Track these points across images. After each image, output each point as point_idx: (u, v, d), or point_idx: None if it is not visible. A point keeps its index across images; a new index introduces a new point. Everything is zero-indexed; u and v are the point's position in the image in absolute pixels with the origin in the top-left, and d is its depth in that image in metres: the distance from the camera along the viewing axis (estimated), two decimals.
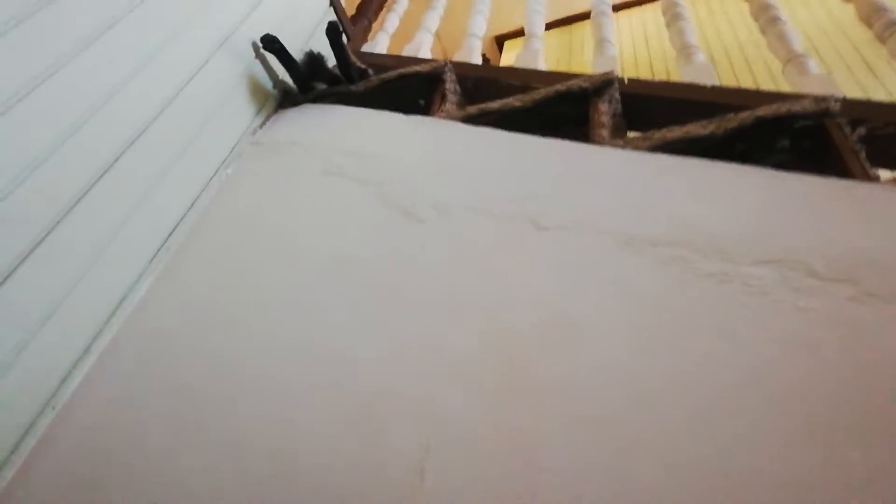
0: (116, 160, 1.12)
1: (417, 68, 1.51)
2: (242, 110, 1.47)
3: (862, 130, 0.95)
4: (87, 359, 1.00)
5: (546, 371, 0.73)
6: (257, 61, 1.55)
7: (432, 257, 0.94)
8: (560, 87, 1.26)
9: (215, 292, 1.04)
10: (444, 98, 1.45)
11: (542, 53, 1.62)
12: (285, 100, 1.62)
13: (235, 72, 1.46)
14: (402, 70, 1.52)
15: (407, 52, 1.90)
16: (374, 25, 2.17)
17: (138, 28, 1.22)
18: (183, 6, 1.34)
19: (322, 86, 1.61)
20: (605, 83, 1.24)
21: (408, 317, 0.86)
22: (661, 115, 1.28)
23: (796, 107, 0.99)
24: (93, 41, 1.12)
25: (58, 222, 1.00)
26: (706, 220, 0.82)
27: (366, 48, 2.02)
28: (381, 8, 2.30)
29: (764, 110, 0.99)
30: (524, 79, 1.48)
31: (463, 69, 1.60)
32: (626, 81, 1.32)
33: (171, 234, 1.21)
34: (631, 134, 1.36)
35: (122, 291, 1.09)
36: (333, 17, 1.96)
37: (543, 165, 1.04)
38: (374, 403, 0.77)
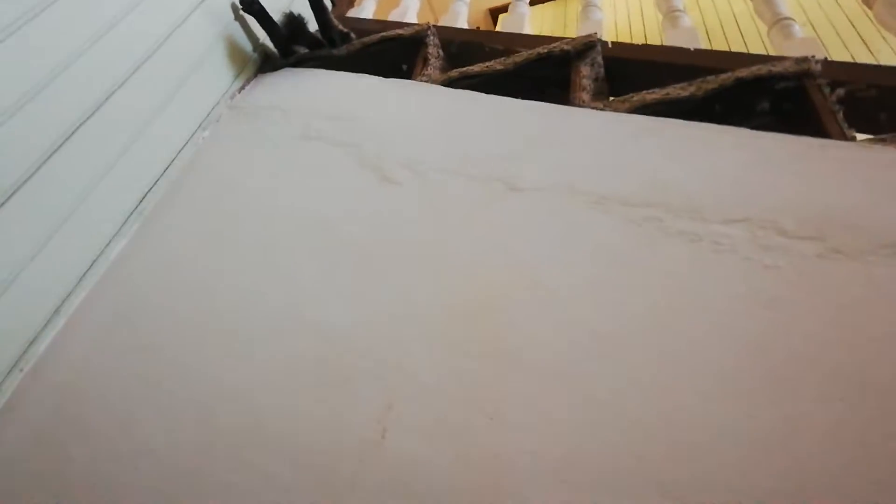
0: (87, 119, 1.10)
1: (400, 31, 1.49)
2: (220, 73, 1.44)
3: (841, 92, 0.93)
4: (56, 319, 0.99)
5: (513, 331, 0.72)
6: (236, 23, 1.52)
7: (406, 219, 0.92)
8: (542, 49, 1.24)
9: (189, 255, 1.03)
10: (426, 62, 1.42)
11: (527, 18, 1.59)
12: (265, 64, 1.59)
13: (213, 33, 1.43)
14: (384, 33, 1.50)
15: (393, 16, 1.87)
16: None
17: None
18: None
19: (303, 50, 1.58)
20: (586, 46, 1.22)
21: (380, 279, 0.85)
22: (643, 78, 1.26)
23: (777, 68, 0.97)
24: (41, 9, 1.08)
25: (25, 181, 0.99)
26: (680, 181, 0.81)
27: (352, 13, 1.98)
28: None
29: (744, 71, 0.98)
30: (508, 43, 1.45)
31: (447, 33, 1.57)
32: (610, 45, 1.29)
33: (144, 196, 1.19)
34: (613, 98, 1.34)
35: (94, 253, 1.07)
36: None
37: (521, 127, 1.02)
38: (342, 365, 0.77)
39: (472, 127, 1.07)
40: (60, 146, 1.05)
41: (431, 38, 1.48)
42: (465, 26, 1.70)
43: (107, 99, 1.15)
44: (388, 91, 1.27)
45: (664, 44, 1.29)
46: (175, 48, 1.32)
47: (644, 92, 1.05)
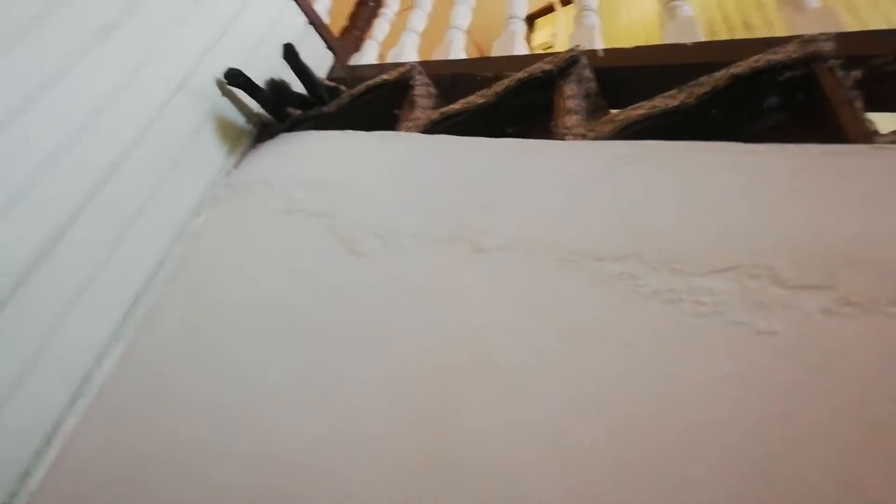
0: (69, 225, 1.09)
1: (385, 77, 1.41)
2: (213, 152, 1.42)
3: (858, 73, 0.76)
4: (48, 451, 0.96)
5: (467, 425, 0.61)
6: (225, 99, 1.49)
7: (370, 296, 0.83)
8: (521, 74, 1.12)
9: (177, 364, 0.98)
10: (413, 105, 1.33)
11: (520, 35, 1.47)
12: (263, 132, 1.56)
13: (201, 112, 1.41)
14: (369, 82, 1.42)
15: (391, 57, 1.80)
16: (367, 34, 2.07)
17: (84, 82, 1.17)
18: (132, 53, 1.29)
19: (298, 111, 1.53)
20: (569, 62, 1.09)
21: (333, 380, 0.76)
22: (642, 85, 1.12)
23: (777, 55, 0.81)
24: (34, 99, 1.08)
25: (7, 299, 0.97)
26: (658, 222, 0.67)
27: (354, 60, 1.93)
28: (373, 16, 2.20)
29: (739, 66, 0.82)
30: (498, 68, 1.34)
31: (436, 68, 1.48)
32: (601, 53, 1.16)
33: (136, 300, 1.16)
34: (616, 111, 1.21)
35: (84, 371, 1.05)
36: (315, 35, 1.88)
37: (491, 172, 0.91)
38: (292, 478, 0.68)
39: (443, 178, 0.97)
40: (36, 263, 1.04)
41: (418, 77, 1.39)
42: (461, 55, 1.60)
43: (89, 200, 1.14)
44: (367, 147, 1.19)
45: (663, 41, 1.14)
46: (158, 136, 1.30)
47: (629, 108, 0.91)
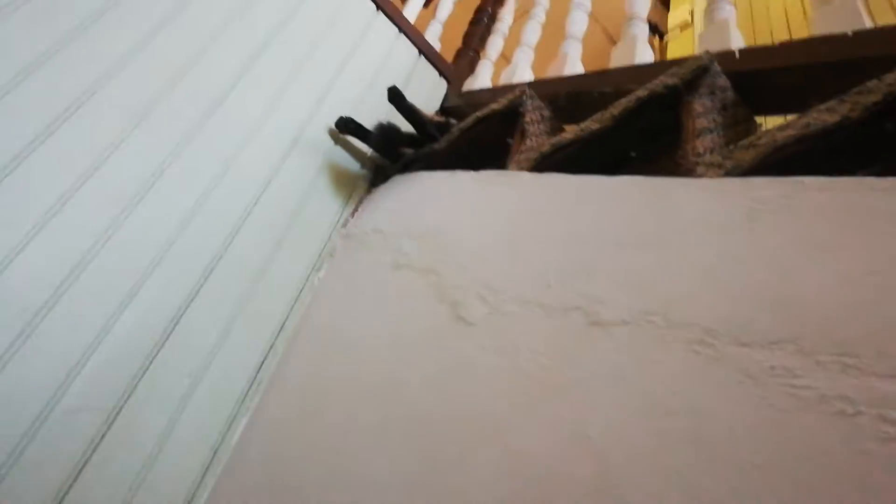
0: (195, 295, 1.12)
1: (494, 107, 1.32)
2: (328, 204, 1.41)
3: None
4: None
5: None
6: (338, 147, 1.48)
7: (475, 376, 0.75)
8: (641, 92, 0.98)
9: (295, 438, 0.96)
10: (524, 135, 1.24)
11: (642, 39, 1.31)
12: (377, 175, 1.54)
13: (314, 166, 1.41)
14: (478, 114, 1.35)
15: (504, 78, 1.70)
16: (482, 54, 1.99)
17: (202, 154, 1.21)
18: (247, 114, 1.31)
19: (409, 150, 1.49)
20: (697, 73, 0.93)
21: (438, 469, 0.68)
22: (791, 91, 0.93)
23: None
24: (157, 177, 1.12)
25: (143, 372, 1.01)
26: (821, 296, 0.52)
27: (468, 85, 1.86)
28: (487, 33, 2.12)
29: None
30: (618, 82, 1.21)
31: (550, 87, 1.37)
32: (738, 55, 0.99)
33: (261, 363, 1.17)
34: (765, 120, 1.03)
35: (215, 441, 1.06)
36: (427, 65, 1.84)
37: (609, 222, 0.79)
38: None
39: (552, 230, 0.86)
40: (173, 329, 1.07)
41: (529, 102, 1.29)
42: (578, 69, 1.47)
43: (213, 266, 1.16)
44: (472, 191, 1.11)
45: (813, 32, 0.94)
46: (275, 195, 1.32)
47: (775, 129, 0.75)
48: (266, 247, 1.26)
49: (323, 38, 1.53)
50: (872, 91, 0.67)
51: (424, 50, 1.84)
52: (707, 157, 0.80)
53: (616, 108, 1.01)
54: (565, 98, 1.33)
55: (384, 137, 1.40)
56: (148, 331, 1.04)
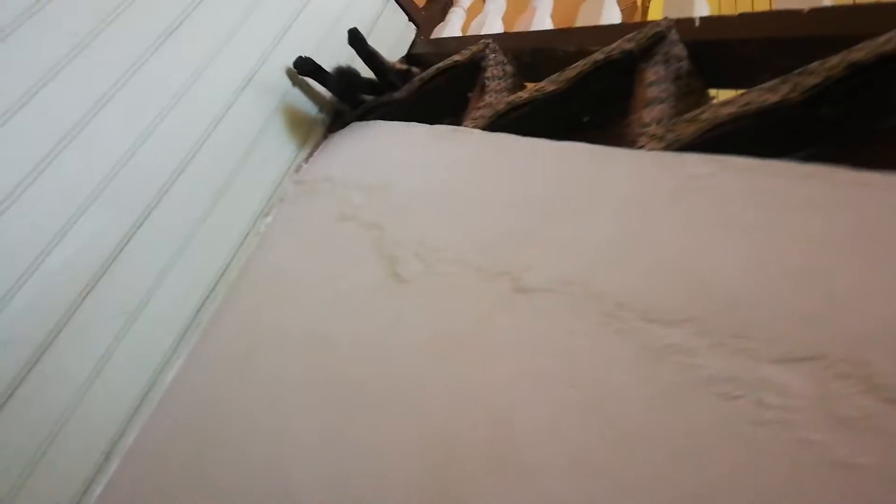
0: (138, 227, 1.10)
1: (456, 58, 1.30)
2: (281, 147, 1.39)
3: None
4: (108, 464, 0.99)
5: None
6: (296, 89, 1.45)
7: (404, 339, 0.76)
8: (598, 56, 0.97)
9: (227, 384, 0.97)
10: (483, 90, 1.21)
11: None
12: (336, 121, 1.51)
13: (268, 107, 1.38)
14: (439, 65, 1.32)
15: (473, 28, 1.67)
16: (453, 1, 1.94)
17: (150, 84, 1.17)
18: (198, 50, 1.27)
19: (369, 97, 1.46)
20: (653, 40, 0.92)
21: (359, 426, 0.70)
22: (747, 64, 0.93)
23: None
24: (100, 106, 1.09)
25: (76, 308, 1.00)
26: (728, 277, 0.53)
27: (437, 32, 1.81)
28: None
29: (859, 50, 0.64)
30: (581, 42, 1.19)
31: (515, 42, 1.34)
32: (698, 23, 0.98)
33: (201, 305, 1.17)
34: (718, 94, 1.03)
35: (147, 382, 1.06)
36: (395, 9, 1.79)
37: (545, 188, 0.79)
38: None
39: (495, 192, 0.86)
40: (109, 265, 1.06)
41: (491, 57, 1.26)
42: (546, 25, 1.44)
43: (157, 201, 1.14)
44: (425, 146, 1.10)
45: (775, 6, 0.93)
46: (227, 133, 1.29)
47: (718, 104, 0.74)
48: (213, 187, 1.24)
49: None
50: (813, 73, 0.67)
51: None
52: (651, 128, 0.80)
53: (572, 71, 0.99)
54: (529, 54, 1.31)
55: (343, 82, 1.37)
56: (83, 266, 1.02)
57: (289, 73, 1.43)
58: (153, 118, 1.16)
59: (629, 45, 0.94)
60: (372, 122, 1.34)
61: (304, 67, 1.40)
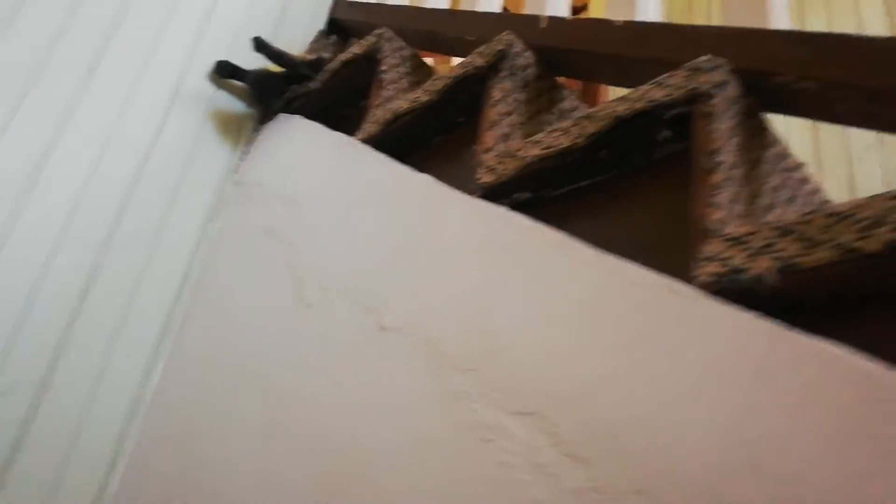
0: (97, 267, 1.30)
1: (356, 51, 1.40)
2: (217, 152, 1.54)
3: (751, 101, 0.69)
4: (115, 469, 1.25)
5: None
6: (221, 91, 1.57)
7: (299, 368, 0.97)
8: (458, 70, 1.09)
9: (189, 404, 1.20)
10: (381, 87, 1.34)
11: None
12: (266, 113, 1.63)
13: (198, 116, 1.52)
14: (341, 57, 1.43)
15: None
16: None
17: (81, 131, 1.33)
18: (120, 79, 1.40)
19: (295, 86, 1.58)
20: (498, 56, 1.03)
21: (260, 452, 0.92)
22: (589, 69, 1.05)
23: (659, 91, 0.74)
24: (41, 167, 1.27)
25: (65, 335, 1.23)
26: (508, 334, 0.71)
27: None
28: None
29: (621, 107, 0.77)
30: (459, 30, 1.29)
31: (409, 21, 1.44)
32: (545, 25, 1.08)
33: (168, 319, 1.38)
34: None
35: (133, 398, 1.30)
36: None
37: (405, 224, 0.96)
38: None
39: (373, 221, 1.03)
40: (80, 305, 1.28)
41: (386, 46, 1.37)
42: (441, 3, 1.51)
43: (111, 234, 1.33)
44: (328, 158, 1.25)
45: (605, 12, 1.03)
46: (163, 153, 1.45)
47: (529, 141, 0.89)
48: (159, 207, 1.42)
49: None
50: (594, 120, 0.81)
51: None
52: (489, 157, 0.94)
53: (440, 82, 1.11)
54: (424, 37, 1.41)
55: (257, 88, 1.49)
56: (58, 308, 1.23)
57: (211, 78, 1.55)
58: (93, 157, 1.32)
59: (479, 61, 1.05)
60: (293, 120, 1.48)
61: (224, 71, 1.52)
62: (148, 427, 1.22)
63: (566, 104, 1.11)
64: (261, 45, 1.44)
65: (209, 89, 1.55)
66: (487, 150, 0.97)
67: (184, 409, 1.19)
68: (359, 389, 0.84)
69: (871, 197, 0.54)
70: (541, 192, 0.92)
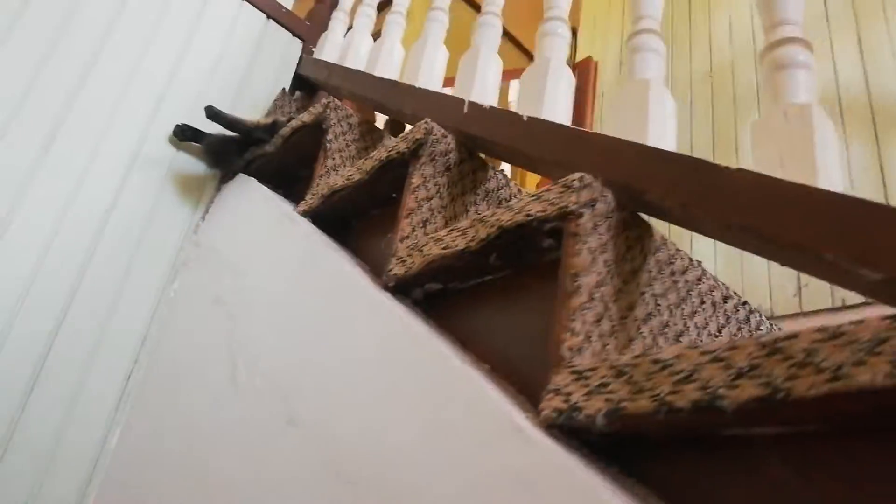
0: (56, 332, 1.36)
1: (304, 119, 1.45)
2: (176, 213, 1.59)
3: (616, 217, 0.72)
4: None
5: None
6: (182, 153, 1.63)
7: (222, 456, 1.00)
8: (382, 154, 1.13)
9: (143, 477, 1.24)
10: (326, 155, 1.38)
11: (433, 41, 1.39)
12: (227, 172, 1.69)
13: (158, 178, 1.58)
14: (291, 124, 1.48)
15: (343, 46, 1.77)
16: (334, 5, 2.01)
17: (40, 199, 1.39)
18: (78, 149, 1.46)
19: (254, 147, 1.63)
20: (417, 144, 1.07)
21: None
22: (503, 156, 1.08)
23: (536, 206, 0.78)
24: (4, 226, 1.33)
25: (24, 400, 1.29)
26: (405, 468, 0.75)
27: (321, 40, 1.92)
28: None
29: (505, 218, 0.80)
30: (399, 103, 1.33)
31: (359, 86, 1.48)
32: (466, 109, 1.11)
33: (128, 378, 1.43)
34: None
35: (94, 455, 1.35)
36: (277, 28, 1.90)
37: (323, 308, 1.00)
38: None
39: (300, 302, 1.07)
40: (41, 369, 1.33)
41: (332, 116, 1.41)
42: (391, 69, 1.55)
43: (70, 300, 1.39)
44: (270, 231, 1.30)
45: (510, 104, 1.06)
46: (122, 217, 1.50)
47: (433, 237, 0.92)
48: (119, 269, 1.47)
49: (155, 31, 1.61)
50: (485, 223, 0.84)
51: (272, 12, 1.88)
52: (402, 248, 0.98)
53: (370, 163, 1.15)
54: (373, 102, 1.45)
55: (215, 154, 1.54)
56: (14, 381, 1.29)
57: (171, 141, 1.61)
58: (52, 223, 1.38)
59: (402, 147, 1.09)
60: (248, 184, 1.52)
61: (183, 134, 1.58)
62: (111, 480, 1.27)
63: (491, 184, 1.14)
64: (213, 115, 1.49)
65: (170, 152, 1.60)
66: (403, 239, 1.01)
67: (133, 491, 1.24)
68: (269, 483, 0.88)
69: (690, 347, 0.56)
70: (449, 285, 0.95)
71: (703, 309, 0.88)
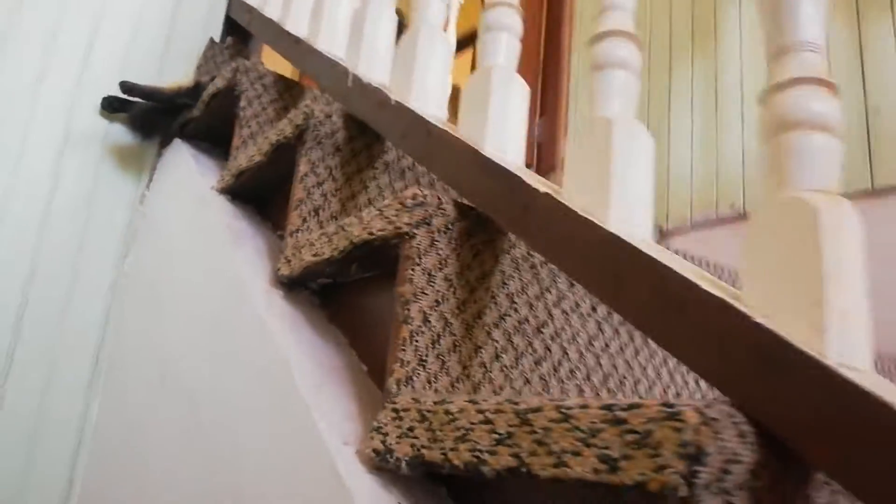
0: (16, 342, 1.45)
1: (219, 84, 1.42)
2: (119, 187, 1.62)
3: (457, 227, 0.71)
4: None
5: None
6: (115, 124, 1.63)
7: (153, 449, 1.09)
8: (274, 137, 1.11)
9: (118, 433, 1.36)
10: (241, 124, 1.37)
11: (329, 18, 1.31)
12: (165, 140, 1.68)
13: (95, 155, 1.59)
14: (209, 89, 1.45)
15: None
16: None
17: None
18: (7, 134, 1.48)
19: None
20: (301, 129, 1.05)
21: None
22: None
23: (378, 224, 0.78)
24: None
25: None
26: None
27: None
28: None
29: (357, 230, 0.80)
30: (312, 72, 1.29)
31: (275, 45, 1.43)
32: (350, 83, 1.08)
33: (97, 360, 1.53)
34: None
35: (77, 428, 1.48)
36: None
37: (221, 307, 1.04)
38: None
39: (208, 299, 1.11)
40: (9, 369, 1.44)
41: (244, 80, 1.38)
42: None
43: (26, 295, 1.47)
44: (193, 212, 1.31)
45: None
46: (64, 200, 1.54)
47: (308, 242, 0.93)
48: (70, 253, 1.53)
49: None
50: (346, 235, 0.84)
51: None
52: (288, 247, 0.99)
53: (265, 144, 1.14)
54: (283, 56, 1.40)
55: (142, 124, 1.53)
56: None
57: (102, 114, 1.60)
58: None
59: (288, 131, 1.07)
60: (179, 152, 1.53)
61: (112, 107, 1.57)
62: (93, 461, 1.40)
63: (389, 155, 1.12)
64: (128, 89, 1.47)
65: (103, 125, 1.60)
66: (293, 233, 1.02)
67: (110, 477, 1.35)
68: (177, 485, 0.96)
69: (470, 402, 0.58)
70: (337, 279, 0.97)
71: (574, 292, 0.88)
